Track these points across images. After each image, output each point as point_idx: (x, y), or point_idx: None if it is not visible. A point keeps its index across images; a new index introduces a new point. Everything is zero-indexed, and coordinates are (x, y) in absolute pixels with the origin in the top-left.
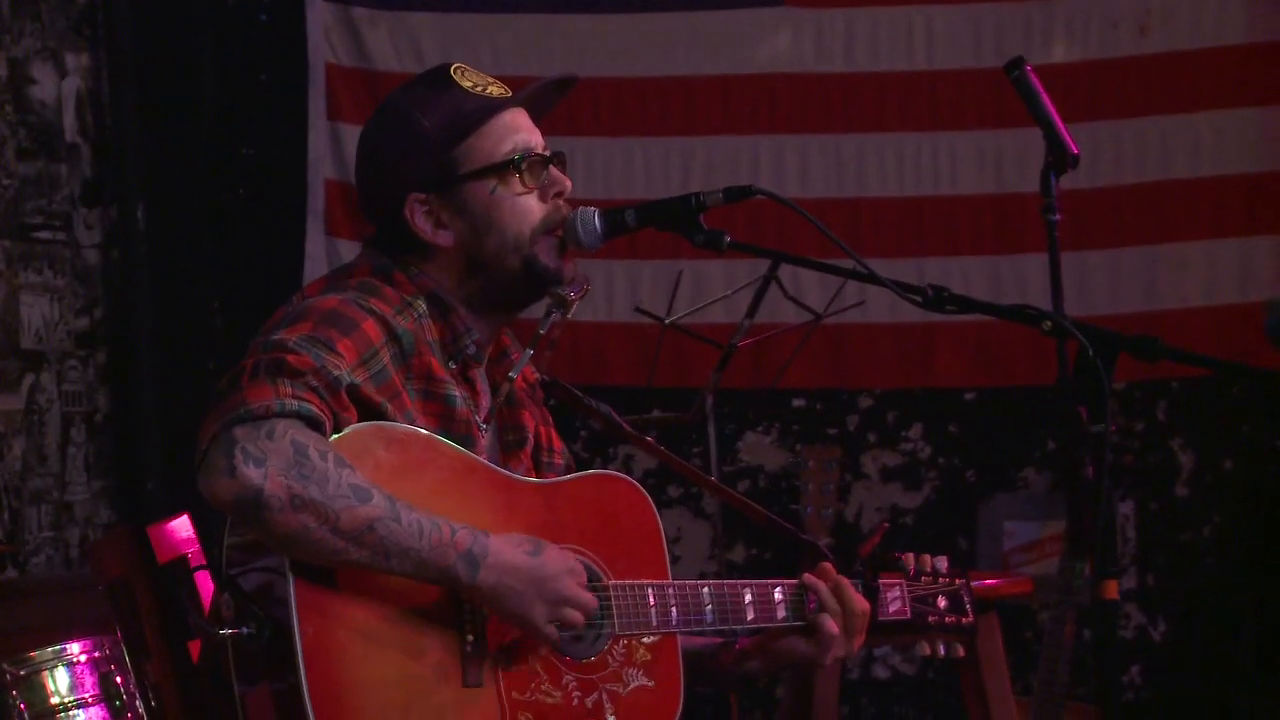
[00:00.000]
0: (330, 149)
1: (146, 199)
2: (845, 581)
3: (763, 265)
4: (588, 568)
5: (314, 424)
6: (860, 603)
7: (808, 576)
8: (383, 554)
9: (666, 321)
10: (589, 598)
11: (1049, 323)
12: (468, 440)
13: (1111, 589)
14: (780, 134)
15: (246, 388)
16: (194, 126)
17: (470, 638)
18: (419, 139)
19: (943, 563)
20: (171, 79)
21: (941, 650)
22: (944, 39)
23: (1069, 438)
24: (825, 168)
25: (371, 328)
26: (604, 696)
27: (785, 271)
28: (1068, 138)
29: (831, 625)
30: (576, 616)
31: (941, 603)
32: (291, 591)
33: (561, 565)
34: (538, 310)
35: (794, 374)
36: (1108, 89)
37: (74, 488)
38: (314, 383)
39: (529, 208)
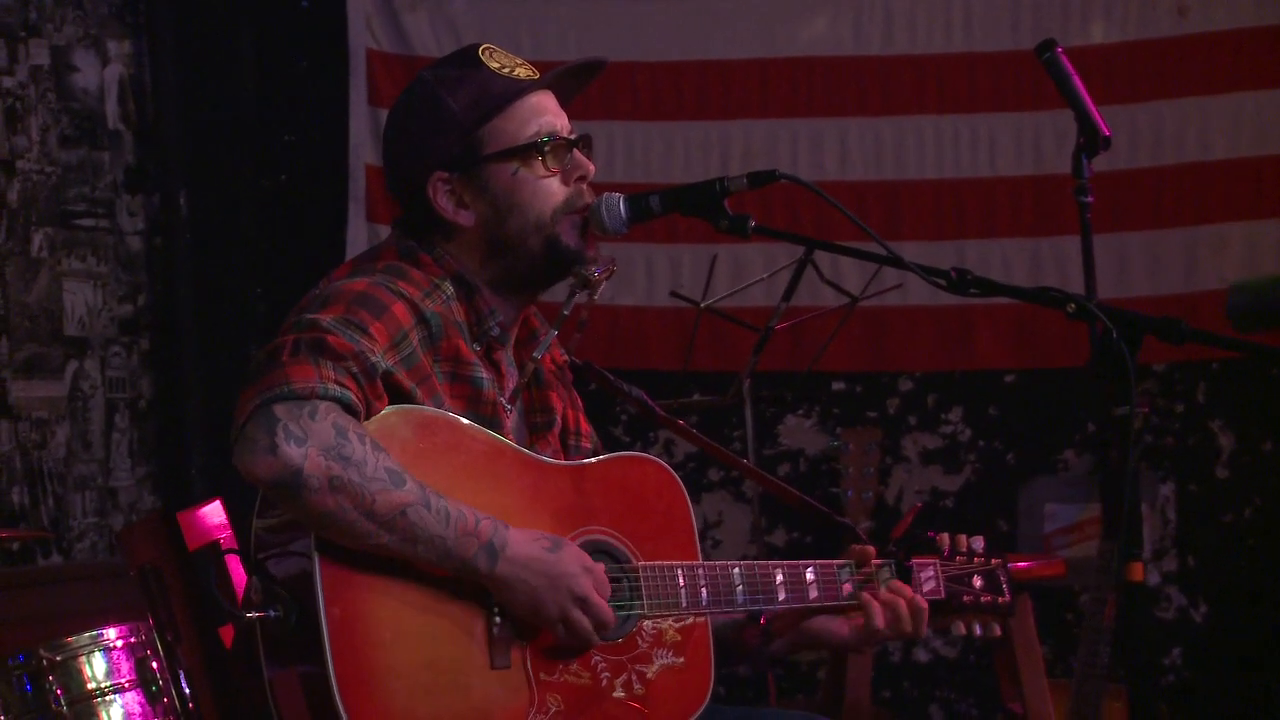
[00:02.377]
0: (371, 134)
1: (189, 186)
2: (919, 601)
3: (802, 248)
4: (616, 550)
5: (351, 411)
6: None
7: (895, 601)
8: (411, 539)
9: (702, 305)
10: (605, 607)
11: (1073, 305)
12: (494, 422)
13: (1137, 571)
14: (818, 117)
15: (288, 364)
16: (236, 113)
17: (497, 620)
18: (444, 118)
19: (979, 542)
20: (213, 66)
21: (978, 630)
22: (982, 20)
23: (1106, 420)
24: (863, 151)
25: (401, 311)
26: (633, 677)
27: (825, 254)
28: (1099, 119)
29: (876, 607)
30: (584, 622)
31: (977, 582)
32: (318, 575)
33: (578, 564)
34: (564, 292)
35: (834, 357)
36: (1146, 70)
37: (118, 474)
38: (354, 368)
39: (551, 190)
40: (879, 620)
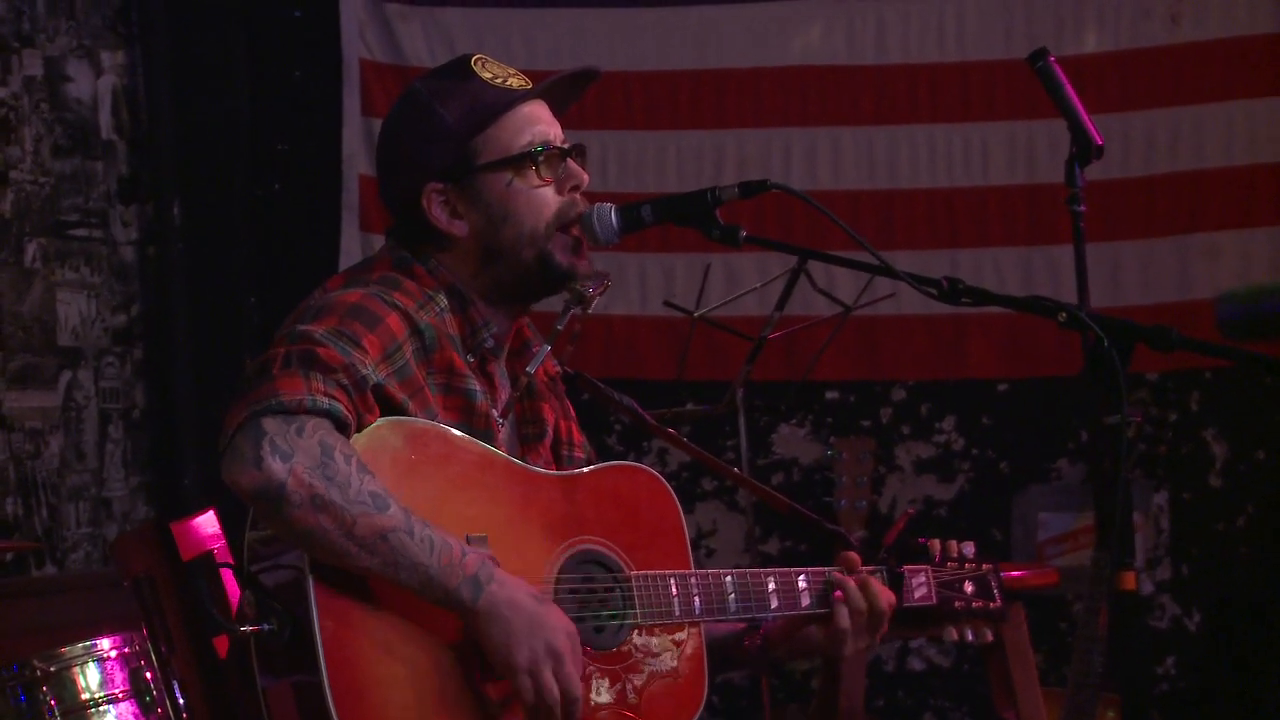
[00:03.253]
0: (364, 144)
1: (182, 195)
2: (870, 579)
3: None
4: (608, 559)
5: (341, 424)
6: (885, 595)
7: (835, 573)
8: (392, 565)
9: (695, 314)
10: (577, 678)
11: (1065, 314)
12: (487, 434)
13: (1130, 580)
14: (812, 126)
15: (278, 377)
16: (229, 123)
17: None
18: (437, 129)
19: (970, 548)
20: (206, 76)
21: (970, 636)
22: (975, 29)
23: (1099, 429)
24: (857, 160)
25: (395, 322)
26: (626, 687)
27: (818, 264)
28: (1092, 128)
29: (843, 618)
30: (551, 684)
31: (968, 588)
32: (311, 588)
33: (563, 623)
34: (559, 303)
35: (827, 366)
36: (1139, 78)
37: (112, 484)
38: (344, 380)
39: (545, 201)
40: (843, 620)
